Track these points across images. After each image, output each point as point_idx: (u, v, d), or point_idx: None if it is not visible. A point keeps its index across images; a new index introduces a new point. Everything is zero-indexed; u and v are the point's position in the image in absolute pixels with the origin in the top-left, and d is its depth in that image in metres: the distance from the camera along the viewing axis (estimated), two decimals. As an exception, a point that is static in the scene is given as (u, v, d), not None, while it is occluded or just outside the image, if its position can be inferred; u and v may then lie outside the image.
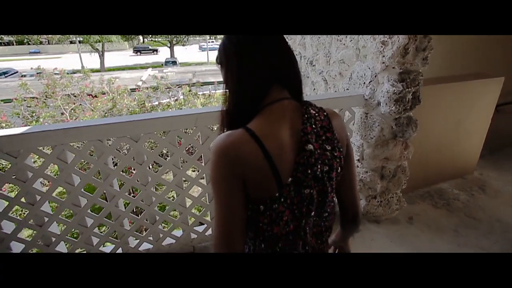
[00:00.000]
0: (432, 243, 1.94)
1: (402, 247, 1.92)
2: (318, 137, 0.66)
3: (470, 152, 2.76)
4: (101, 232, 1.61)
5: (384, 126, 1.84)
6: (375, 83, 1.81)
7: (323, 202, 0.69)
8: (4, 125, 4.63)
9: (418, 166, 2.29)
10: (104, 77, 6.93)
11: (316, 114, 0.69)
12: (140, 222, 1.66)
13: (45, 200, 1.39)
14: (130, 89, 7.05)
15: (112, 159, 1.47)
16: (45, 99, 5.23)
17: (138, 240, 1.71)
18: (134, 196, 1.62)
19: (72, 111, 5.40)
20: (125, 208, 1.62)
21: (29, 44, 27.79)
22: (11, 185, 3.42)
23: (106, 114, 5.31)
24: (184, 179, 1.64)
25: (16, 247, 1.46)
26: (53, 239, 1.50)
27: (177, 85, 7.59)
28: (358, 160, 2.06)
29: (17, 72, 20.22)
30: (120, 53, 29.80)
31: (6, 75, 19.74)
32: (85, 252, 1.65)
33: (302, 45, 2.64)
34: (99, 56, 22.86)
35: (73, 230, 1.52)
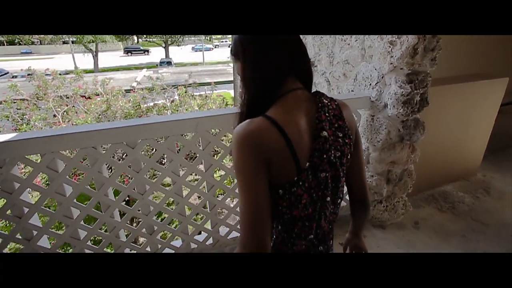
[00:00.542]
0: (440, 250, 1.88)
1: (410, 254, 1.85)
2: (331, 124, 0.71)
3: (473, 154, 2.72)
4: (95, 245, 1.51)
5: (391, 129, 1.78)
6: (381, 85, 1.74)
7: (337, 188, 0.73)
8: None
9: (421, 169, 2.24)
10: (98, 78, 6.78)
11: (329, 103, 0.73)
12: (137, 233, 1.56)
13: (33, 213, 1.29)
14: (125, 90, 6.91)
15: (110, 168, 1.38)
16: (36, 101, 5.08)
17: (135, 252, 1.62)
18: (130, 206, 1.53)
19: (65, 113, 5.26)
20: (121, 218, 1.52)
21: (20, 44, 27.25)
22: None
23: (100, 116, 5.18)
24: (184, 186, 1.55)
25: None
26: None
27: (173, 86, 7.46)
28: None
29: (8, 73, 19.83)
30: (114, 54, 29.45)
31: (-4, 76, 19.36)
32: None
33: (303, 45, 2.57)
34: (93, 56, 22.54)
35: (65, 243, 1.43)
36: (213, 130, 1.59)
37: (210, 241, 1.77)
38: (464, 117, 2.43)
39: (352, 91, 1.97)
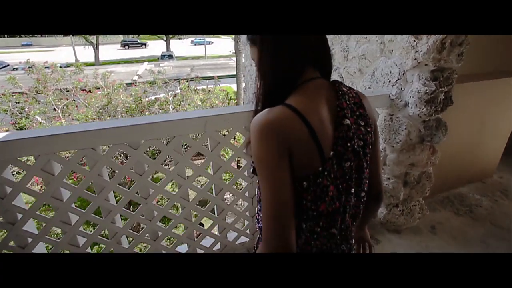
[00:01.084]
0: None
1: (428, 261, 1.75)
2: (352, 112, 0.69)
3: (490, 154, 2.60)
4: (95, 252, 1.40)
5: (412, 130, 1.66)
6: (402, 82, 1.62)
7: (360, 179, 0.70)
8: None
9: (435, 170, 2.12)
10: (99, 71, 6.65)
11: (348, 92, 0.71)
12: (140, 239, 1.46)
13: (27, 219, 1.19)
14: (126, 83, 6.79)
15: (113, 172, 1.27)
16: (36, 94, 4.97)
17: (139, 252, 1.52)
18: (132, 209, 1.42)
19: (65, 107, 5.15)
20: (122, 224, 1.42)
21: (21, 36, 26.99)
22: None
23: (100, 111, 5.07)
24: (190, 189, 1.44)
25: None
26: (40, 260, 1.30)
27: (175, 79, 7.33)
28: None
29: (8, 65, 19.67)
30: (115, 46, 29.19)
31: (-4, 68, 19.18)
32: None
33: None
34: (94, 49, 22.33)
35: (62, 250, 1.33)
36: (222, 131, 1.48)
37: (218, 246, 1.67)
38: (484, 116, 2.31)
39: (369, 88, 1.84)
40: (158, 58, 23.66)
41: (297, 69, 0.66)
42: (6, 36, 29.97)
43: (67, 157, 1.25)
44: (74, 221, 1.29)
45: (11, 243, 1.21)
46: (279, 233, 0.57)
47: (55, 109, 4.96)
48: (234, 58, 12.65)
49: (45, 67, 5.48)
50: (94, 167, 1.20)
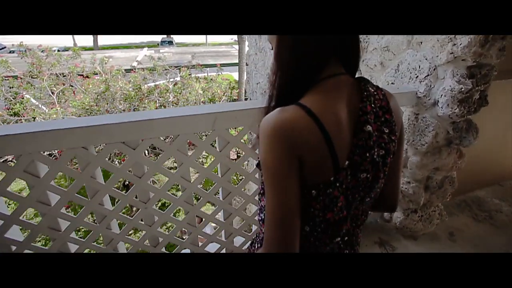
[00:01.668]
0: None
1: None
2: (376, 117, 0.62)
3: (510, 156, 2.45)
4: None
5: (439, 131, 1.50)
6: (432, 78, 1.45)
7: (372, 188, 0.65)
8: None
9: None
10: (97, 56, 6.40)
11: (375, 93, 0.64)
12: (138, 246, 1.32)
13: (10, 225, 1.04)
14: (125, 69, 6.56)
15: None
16: (30, 79, 4.75)
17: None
18: (131, 216, 1.28)
19: (61, 93, 4.95)
20: (120, 229, 1.28)
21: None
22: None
23: (98, 97, 4.87)
24: (195, 194, 1.30)
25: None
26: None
27: (176, 66, 7.09)
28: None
29: (5, 47, 19.19)
30: (113, 31, 28.50)
31: (-8, 50, 18.70)
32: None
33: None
34: (92, 33, 21.77)
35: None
36: (234, 130, 1.32)
37: (223, 252, 1.54)
38: (503, 116, 2.15)
39: (392, 83, 1.67)
40: (158, 44, 23.16)
41: (321, 61, 0.59)
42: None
43: (55, 157, 1.09)
44: (64, 227, 1.15)
45: (-8, 252, 1.07)
46: (280, 243, 0.54)
47: (51, 95, 4.76)
48: (236, 46, 12.30)
49: (41, 51, 5.25)
50: (86, 168, 1.05)
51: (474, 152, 2.11)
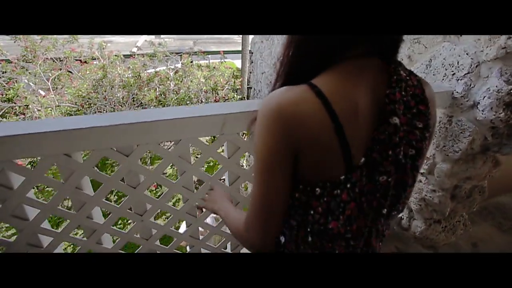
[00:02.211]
0: None
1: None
2: (407, 108, 0.52)
3: (535, 160, 2.28)
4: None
5: (476, 137, 1.32)
6: (473, 76, 1.26)
7: (398, 197, 0.53)
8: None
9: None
10: (95, 41, 6.14)
11: (407, 78, 0.54)
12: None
13: (-20, 245, 0.88)
14: (124, 55, 6.31)
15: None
16: (25, 64, 4.53)
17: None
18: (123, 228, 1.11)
19: (57, 79, 4.73)
20: (113, 243, 1.12)
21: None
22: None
23: (95, 84, 4.66)
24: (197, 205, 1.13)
25: None
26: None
27: (177, 53, 6.83)
28: (422, 173, 1.57)
29: (1, 28, 18.72)
30: (113, 14, 27.87)
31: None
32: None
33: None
34: (91, 16, 21.24)
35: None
36: (244, 135, 1.14)
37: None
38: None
39: (422, 80, 1.48)
40: (159, 29, 22.64)
41: (346, 39, 0.49)
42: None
43: (32, 164, 0.92)
44: (47, 243, 0.99)
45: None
46: (256, 233, 0.52)
47: (45, 81, 4.55)
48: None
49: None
50: (70, 178, 0.88)
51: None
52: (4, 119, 4.32)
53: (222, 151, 1.10)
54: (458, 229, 1.68)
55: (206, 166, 6.72)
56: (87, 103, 4.46)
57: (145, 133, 0.86)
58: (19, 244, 0.94)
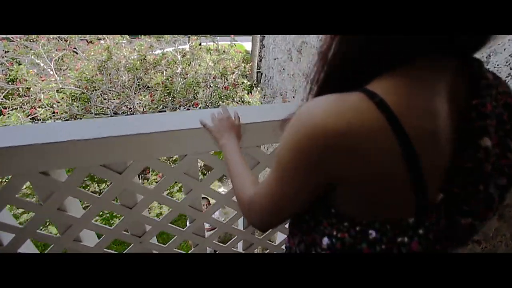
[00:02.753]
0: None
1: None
2: (500, 123, 0.38)
3: None
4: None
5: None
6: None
7: (469, 235, 0.41)
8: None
9: None
10: (100, 19, 5.90)
11: (496, 82, 0.39)
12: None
13: None
14: (130, 36, 6.09)
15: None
16: (28, 43, 4.34)
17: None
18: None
19: (60, 60, 4.54)
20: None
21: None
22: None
23: (100, 67, 4.47)
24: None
25: None
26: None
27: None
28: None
29: None
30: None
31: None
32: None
33: None
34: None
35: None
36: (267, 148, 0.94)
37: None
38: None
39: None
40: (167, 8, 22.12)
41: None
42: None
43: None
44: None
45: None
46: (258, 220, 0.45)
47: (48, 62, 4.38)
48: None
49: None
50: (49, 199, 0.70)
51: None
52: (8, 101, 4.21)
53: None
54: (498, 249, 1.48)
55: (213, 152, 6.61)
56: (91, 86, 4.29)
57: (141, 147, 0.67)
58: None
